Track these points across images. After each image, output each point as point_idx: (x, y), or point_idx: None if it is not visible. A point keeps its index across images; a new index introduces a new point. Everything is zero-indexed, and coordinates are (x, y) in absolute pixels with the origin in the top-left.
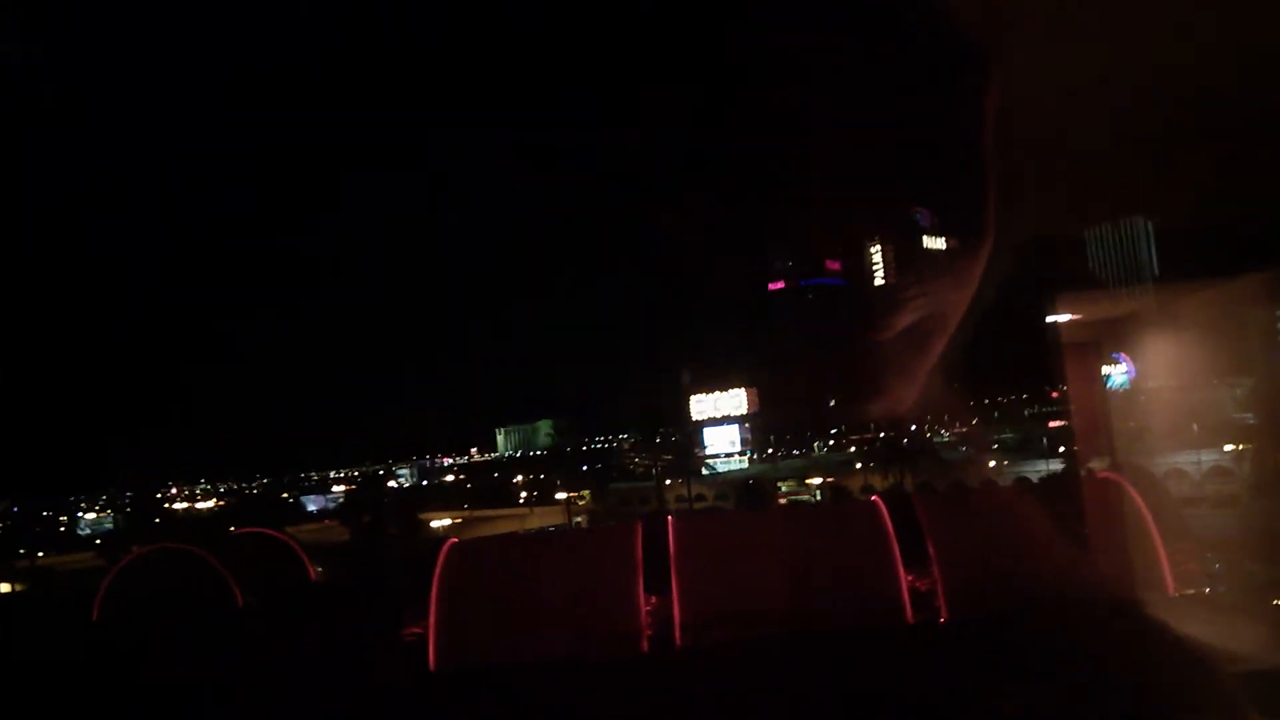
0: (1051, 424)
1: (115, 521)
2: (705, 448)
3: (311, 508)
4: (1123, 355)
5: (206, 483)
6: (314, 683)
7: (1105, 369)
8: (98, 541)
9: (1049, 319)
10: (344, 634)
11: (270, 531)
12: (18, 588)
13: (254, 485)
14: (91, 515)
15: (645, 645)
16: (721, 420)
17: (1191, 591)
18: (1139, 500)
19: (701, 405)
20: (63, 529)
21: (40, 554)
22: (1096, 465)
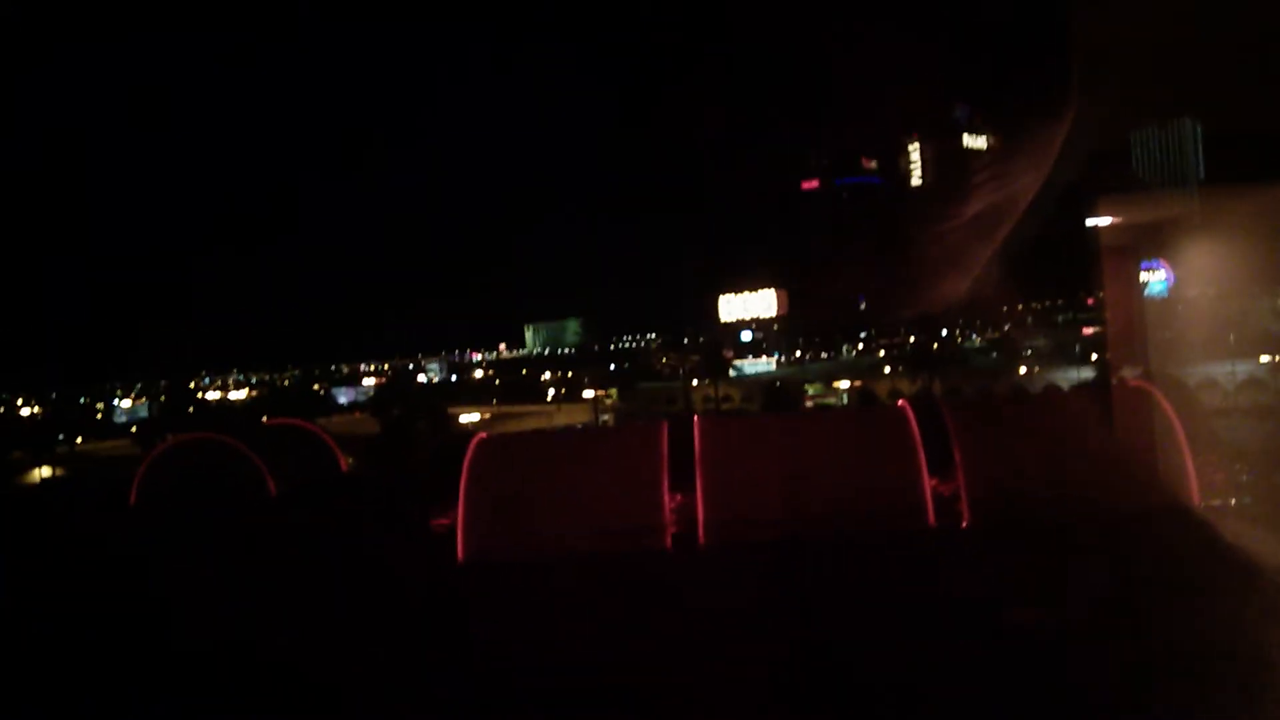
0: (1086, 331)
1: (150, 409)
2: (737, 346)
3: (342, 400)
4: (1161, 261)
5: (239, 373)
6: (344, 571)
7: (1144, 275)
8: (133, 429)
9: (1088, 222)
10: (374, 524)
11: (302, 422)
12: (57, 472)
13: (286, 376)
14: (127, 403)
15: (669, 542)
16: (751, 322)
17: (1218, 502)
18: (1169, 410)
19: (731, 306)
20: (99, 416)
21: (78, 440)
22: (1128, 373)
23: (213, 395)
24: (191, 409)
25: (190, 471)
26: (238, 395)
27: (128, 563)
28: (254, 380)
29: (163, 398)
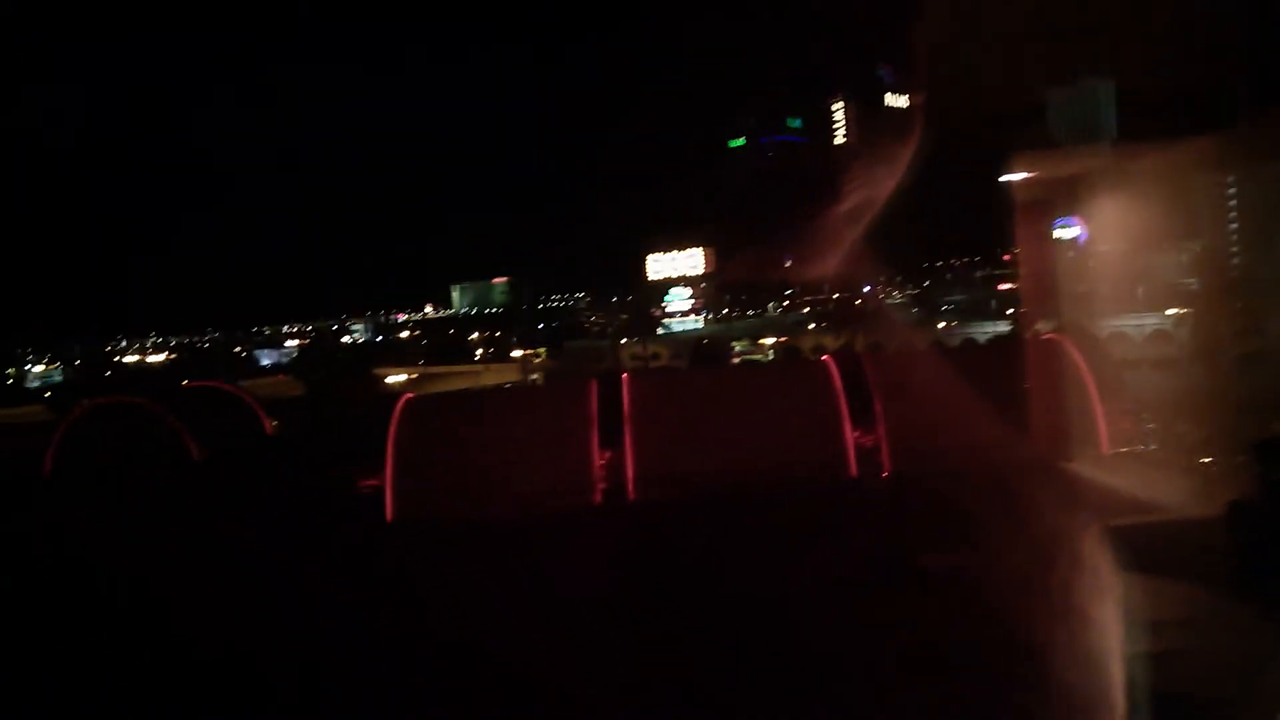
0: (1002, 286)
1: (64, 374)
2: (665, 305)
3: (265, 362)
4: (1075, 218)
5: (157, 335)
6: (271, 535)
7: (1058, 231)
8: (46, 395)
9: (1003, 179)
10: (300, 486)
11: (224, 385)
12: None
13: (206, 339)
14: (40, 368)
15: (599, 498)
16: (678, 280)
17: (1125, 449)
18: (1080, 361)
19: (659, 265)
20: (10, 381)
21: None
22: (1042, 327)
23: (130, 359)
24: (108, 373)
25: (108, 437)
26: (157, 358)
27: (45, 533)
28: (173, 343)
29: (77, 361)
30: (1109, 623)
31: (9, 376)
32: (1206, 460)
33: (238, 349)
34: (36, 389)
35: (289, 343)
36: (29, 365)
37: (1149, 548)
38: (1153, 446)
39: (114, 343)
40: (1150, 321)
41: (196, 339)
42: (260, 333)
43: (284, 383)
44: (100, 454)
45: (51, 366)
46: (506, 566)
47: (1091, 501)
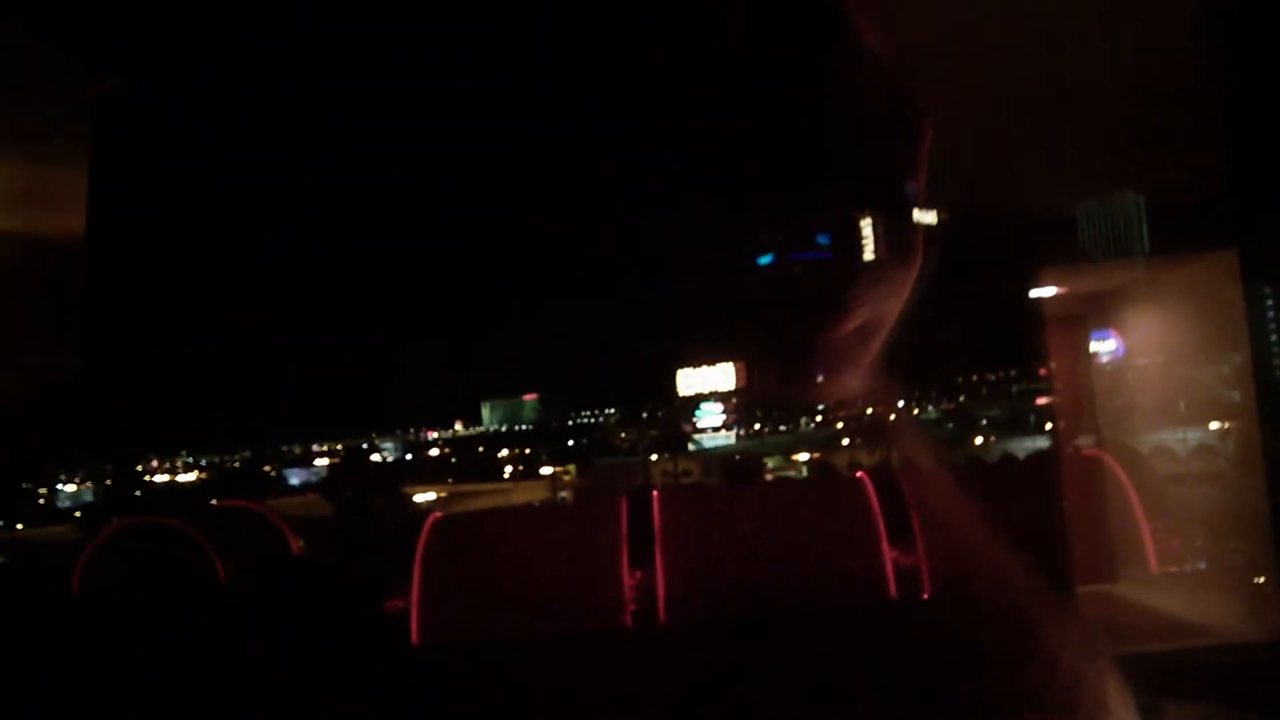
0: (1039, 400)
1: (95, 493)
2: (695, 421)
3: (294, 481)
4: (1111, 331)
5: (188, 454)
6: (296, 656)
7: (1094, 345)
8: (77, 514)
9: (1033, 293)
10: (327, 607)
11: (252, 504)
12: None
13: (235, 458)
14: (71, 487)
15: (629, 620)
16: (709, 396)
17: (1174, 569)
18: (1123, 477)
19: (689, 380)
20: (42, 500)
21: (19, 525)
22: (1082, 442)
23: (160, 478)
24: (138, 492)
25: (136, 556)
26: (186, 477)
27: (72, 652)
28: (203, 462)
29: (108, 481)
30: None
31: (41, 495)
32: (1260, 580)
33: (267, 468)
34: (67, 508)
35: (318, 461)
36: (60, 484)
37: (1200, 672)
38: (1202, 565)
39: (144, 461)
40: (1194, 435)
41: (226, 458)
42: (290, 452)
43: (313, 501)
44: (128, 573)
45: (83, 485)
46: (534, 689)
47: (1139, 624)
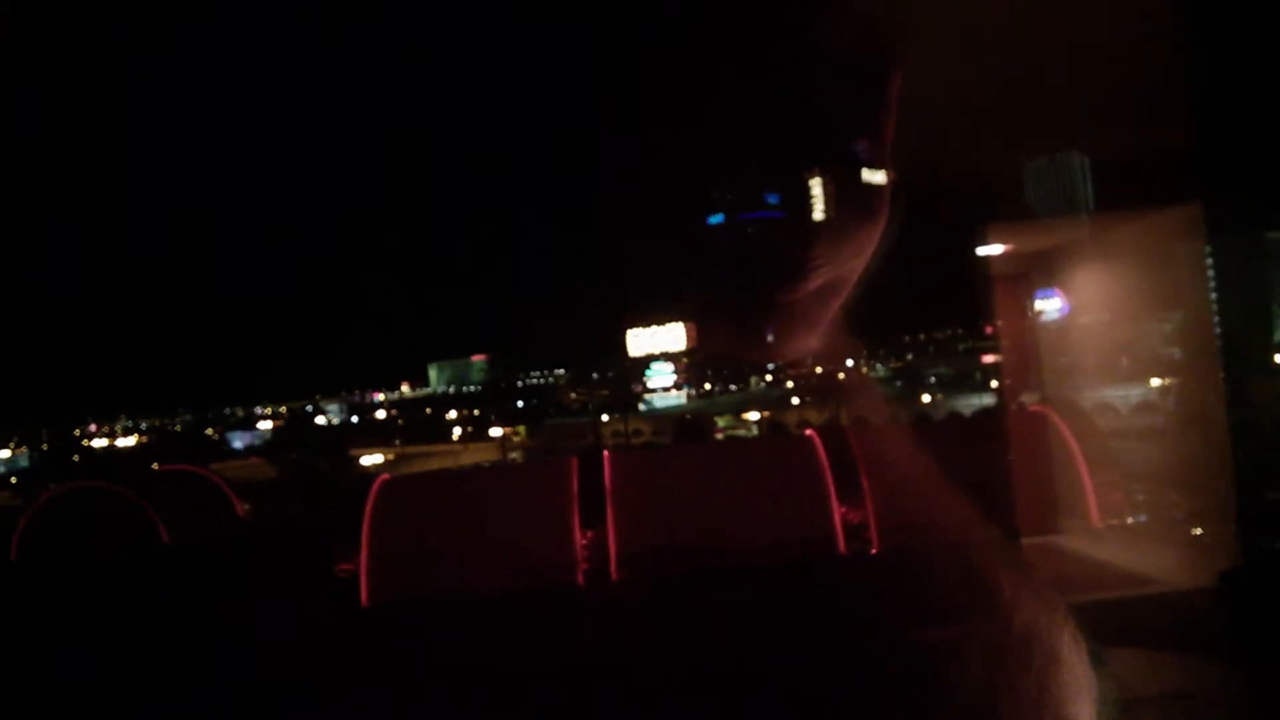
0: (985, 358)
1: (31, 459)
2: (646, 381)
3: (237, 444)
4: (1055, 290)
5: (127, 419)
6: (244, 620)
7: (1039, 303)
8: (13, 480)
9: (980, 252)
10: (274, 571)
11: (195, 468)
12: None
13: (177, 421)
14: (5, 453)
15: (580, 578)
16: (659, 356)
17: (1116, 521)
18: (1067, 433)
19: (639, 340)
20: None
21: None
22: (1027, 399)
23: (99, 442)
24: (76, 457)
25: (76, 521)
26: (126, 442)
27: (12, 619)
28: (143, 426)
29: (44, 446)
30: (1101, 698)
31: None
32: (1198, 531)
33: (210, 432)
34: (2, 475)
35: (262, 424)
36: None
37: (1142, 620)
38: (1143, 518)
39: (82, 426)
40: (1136, 392)
41: (167, 422)
42: (233, 415)
43: (257, 466)
44: (68, 540)
45: (17, 451)
46: (486, 649)
47: (1082, 574)
